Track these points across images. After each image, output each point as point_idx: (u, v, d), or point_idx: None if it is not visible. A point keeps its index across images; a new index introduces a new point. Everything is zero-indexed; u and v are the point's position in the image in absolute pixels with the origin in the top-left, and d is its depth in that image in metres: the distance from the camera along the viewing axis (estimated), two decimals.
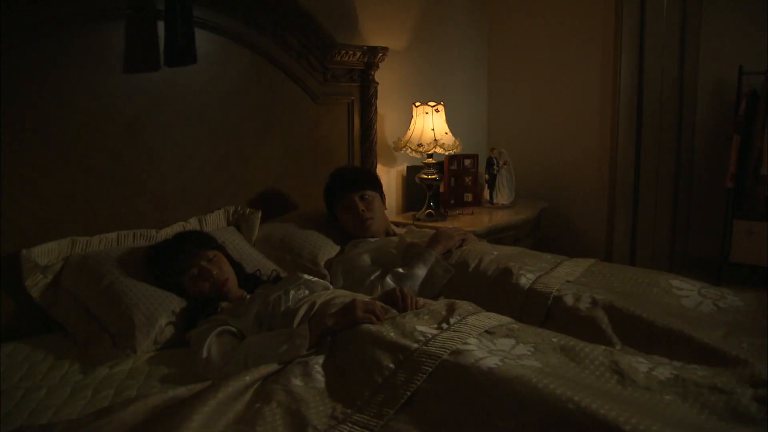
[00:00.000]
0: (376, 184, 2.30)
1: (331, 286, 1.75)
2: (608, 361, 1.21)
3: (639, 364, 1.21)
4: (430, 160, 2.90)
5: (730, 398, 1.08)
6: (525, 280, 1.72)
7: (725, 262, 3.32)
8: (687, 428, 0.98)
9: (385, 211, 2.33)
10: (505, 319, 1.45)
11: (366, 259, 2.05)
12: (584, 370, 1.19)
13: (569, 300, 1.59)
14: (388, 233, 2.31)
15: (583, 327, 1.50)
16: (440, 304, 1.50)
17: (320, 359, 1.32)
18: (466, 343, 1.24)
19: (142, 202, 2.05)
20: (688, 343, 1.34)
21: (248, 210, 2.27)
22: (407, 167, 3.15)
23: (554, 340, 1.31)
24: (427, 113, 2.87)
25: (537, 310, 1.62)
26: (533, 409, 1.00)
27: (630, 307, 1.49)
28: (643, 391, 1.12)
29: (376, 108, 2.84)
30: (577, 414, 0.95)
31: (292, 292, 1.61)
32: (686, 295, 1.65)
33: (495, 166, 3.24)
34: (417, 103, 2.92)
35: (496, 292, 1.72)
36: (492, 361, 1.14)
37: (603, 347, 1.28)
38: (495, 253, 1.93)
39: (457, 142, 2.88)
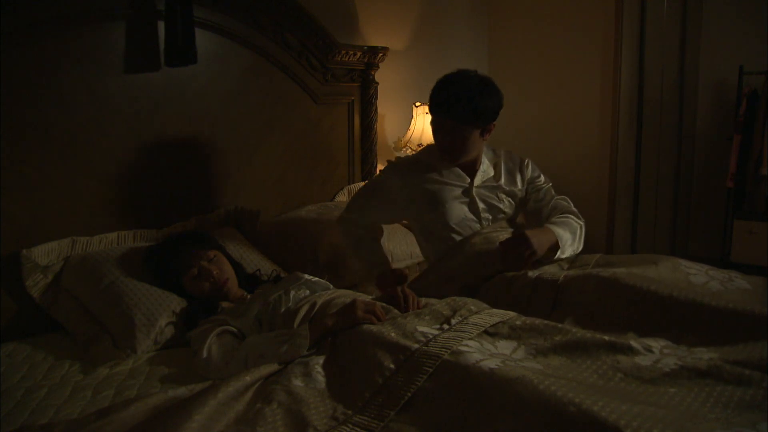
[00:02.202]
0: (480, 119, 1.82)
1: (332, 286, 1.75)
2: (610, 360, 1.21)
3: (642, 358, 1.20)
4: None
5: (736, 388, 1.07)
6: (532, 273, 1.72)
7: (725, 262, 3.32)
8: (690, 421, 0.97)
9: (484, 141, 1.92)
10: (509, 314, 1.44)
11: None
12: (586, 370, 1.19)
13: (577, 282, 1.59)
14: (471, 166, 1.94)
15: (591, 308, 1.51)
16: (442, 304, 1.50)
17: (321, 359, 1.32)
18: (466, 345, 1.24)
19: (143, 202, 2.05)
20: (698, 314, 1.34)
21: (248, 210, 2.27)
22: None
23: (557, 338, 1.31)
24: (427, 113, 2.87)
25: (545, 296, 1.62)
26: (534, 411, 1.00)
27: (637, 283, 1.48)
28: (647, 385, 1.12)
29: (376, 108, 2.84)
30: (578, 416, 0.95)
31: (292, 292, 1.61)
32: (694, 273, 1.65)
33: None
34: (417, 103, 2.92)
35: (508, 286, 1.72)
36: (493, 363, 1.14)
37: (607, 339, 1.27)
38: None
39: None
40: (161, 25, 2.00)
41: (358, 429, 1.09)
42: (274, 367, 1.31)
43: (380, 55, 2.77)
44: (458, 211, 1.91)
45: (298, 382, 1.23)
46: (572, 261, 1.92)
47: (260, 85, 2.38)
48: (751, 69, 3.17)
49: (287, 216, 2.43)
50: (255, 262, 2.01)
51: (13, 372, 1.50)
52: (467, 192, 1.93)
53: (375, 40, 2.91)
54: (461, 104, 1.79)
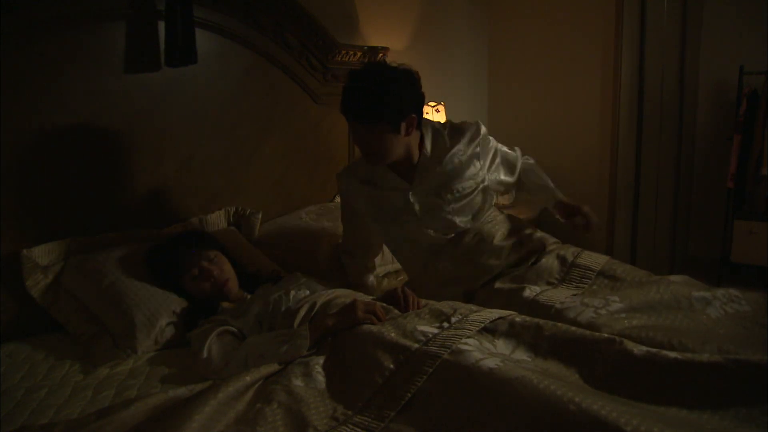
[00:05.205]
0: (383, 116, 1.65)
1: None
2: (609, 353, 1.20)
3: (641, 351, 1.20)
4: None
5: (733, 404, 1.07)
6: (529, 292, 1.68)
7: (725, 262, 3.32)
8: (688, 429, 0.97)
9: (405, 138, 1.72)
10: (508, 312, 1.44)
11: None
12: (584, 372, 1.19)
13: (570, 313, 1.55)
14: (408, 165, 1.79)
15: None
16: (443, 304, 1.50)
17: (321, 359, 1.32)
18: (466, 343, 1.24)
19: (142, 202, 2.05)
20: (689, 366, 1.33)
21: (248, 210, 2.27)
22: None
23: (558, 336, 1.30)
24: (427, 113, 2.87)
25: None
26: (534, 410, 1.00)
27: (631, 333, 1.42)
28: (644, 402, 1.11)
29: None
30: (579, 415, 0.95)
31: (292, 292, 1.61)
32: (698, 288, 1.62)
33: None
34: None
35: (505, 303, 1.68)
36: (492, 362, 1.14)
37: (606, 336, 1.25)
38: None
39: None
40: (161, 25, 1.99)
41: (358, 429, 1.09)
42: (274, 367, 1.31)
43: (380, 55, 2.77)
44: (402, 222, 1.78)
45: (298, 382, 1.23)
46: (576, 254, 1.83)
47: (260, 85, 2.38)
48: (751, 69, 3.17)
49: (287, 216, 2.43)
50: (255, 262, 2.01)
51: (14, 372, 1.49)
52: (406, 199, 1.77)
53: (375, 40, 2.91)
54: (357, 103, 1.65)
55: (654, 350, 1.18)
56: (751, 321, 1.50)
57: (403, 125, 1.69)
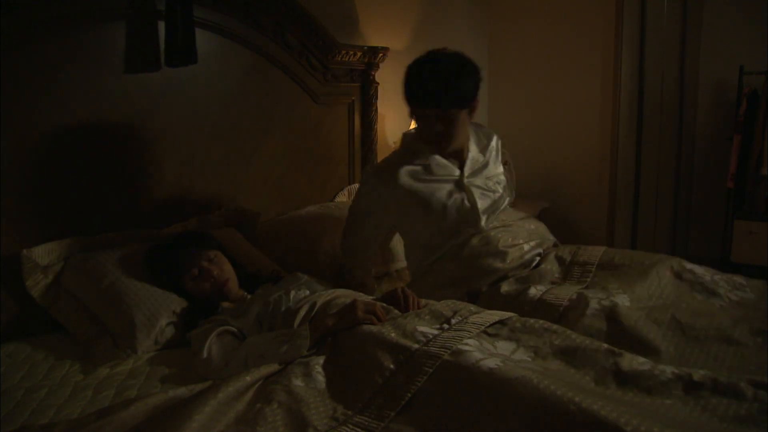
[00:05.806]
0: (464, 99, 1.75)
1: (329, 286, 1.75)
2: (610, 363, 1.20)
3: (641, 364, 1.20)
4: None
5: (731, 401, 1.07)
6: (534, 291, 1.68)
7: (725, 262, 3.32)
8: (688, 430, 0.97)
9: (468, 122, 1.82)
10: (509, 314, 1.44)
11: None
12: (584, 377, 1.19)
13: (579, 307, 1.56)
14: (459, 153, 1.84)
15: (589, 333, 1.48)
16: (443, 305, 1.50)
17: (321, 360, 1.32)
18: (466, 344, 1.24)
19: (142, 202, 2.05)
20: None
21: (248, 210, 2.27)
22: None
23: (557, 342, 1.30)
24: None
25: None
26: (534, 410, 1.00)
27: (636, 325, 1.46)
28: (643, 395, 1.11)
29: (376, 108, 2.84)
30: (579, 415, 0.95)
31: (292, 292, 1.61)
32: (699, 281, 1.65)
33: None
34: None
35: (508, 305, 1.67)
36: (492, 362, 1.14)
37: (606, 346, 1.26)
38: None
39: None
40: (161, 25, 1.99)
41: (358, 429, 1.09)
42: (274, 367, 1.31)
43: (380, 55, 2.77)
44: (455, 209, 1.81)
45: (298, 382, 1.23)
46: (574, 253, 1.86)
47: (260, 85, 2.38)
48: (751, 69, 3.17)
49: (287, 216, 2.43)
50: (255, 262, 2.01)
51: (14, 372, 1.49)
52: (460, 185, 1.80)
53: (375, 40, 2.91)
54: (441, 88, 1.68)
55: (653, 365, 1.19)
56: (754, 310, 1.52)
57: (472, 108, 1.80)
